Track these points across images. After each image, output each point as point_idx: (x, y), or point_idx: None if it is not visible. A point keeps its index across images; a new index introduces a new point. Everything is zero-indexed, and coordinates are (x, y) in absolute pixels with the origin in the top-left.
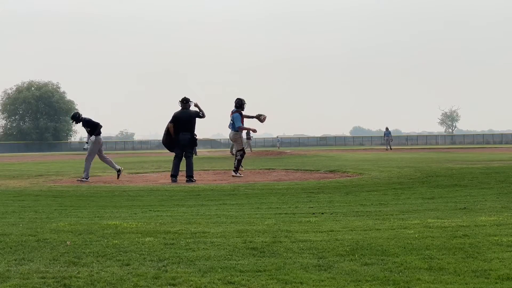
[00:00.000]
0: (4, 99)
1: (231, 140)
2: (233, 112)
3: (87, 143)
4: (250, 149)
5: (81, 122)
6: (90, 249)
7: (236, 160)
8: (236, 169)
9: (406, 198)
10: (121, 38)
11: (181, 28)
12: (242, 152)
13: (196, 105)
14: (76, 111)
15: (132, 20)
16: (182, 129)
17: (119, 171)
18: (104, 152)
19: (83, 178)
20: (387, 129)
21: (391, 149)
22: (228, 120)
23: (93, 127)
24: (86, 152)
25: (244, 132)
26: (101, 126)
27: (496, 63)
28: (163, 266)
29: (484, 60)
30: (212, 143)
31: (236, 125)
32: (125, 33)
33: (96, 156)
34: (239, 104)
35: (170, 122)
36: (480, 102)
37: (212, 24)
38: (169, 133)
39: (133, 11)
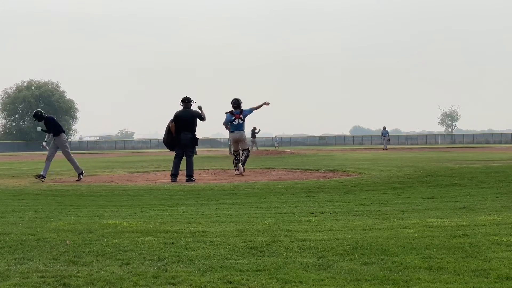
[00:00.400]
0: (4, 98)
1: (238, 140)
2: (232, 113)
3: (45, 141)
4: (256, 147)
5: (43, 120)
6: (89, 248)
7: (244, 156)
8: (244, 163)
9: (405, 198)
10: (120, 37)
11: (181, 28)
12: (247, 151)
13: (199, 108)
14: (38, 109)
15: (131, 19)
16: (183, 128)
17: (42, 176)
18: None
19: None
20: (384, 128)
21: (386, 149)
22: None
23: (56, 128)
24: (48, 153)
25: (249, 131)
26: (63, 131)
27: (496, 63)
28: (163, 265)
29: (484, 60)
30: (212, 142)
31: (225, 122)
32: (124, 33)
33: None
34: (237, 104)
35: (172, 121)
36: (480, 101)
37: (211, 24)
38: (171, 132)
39: (132, 10)
